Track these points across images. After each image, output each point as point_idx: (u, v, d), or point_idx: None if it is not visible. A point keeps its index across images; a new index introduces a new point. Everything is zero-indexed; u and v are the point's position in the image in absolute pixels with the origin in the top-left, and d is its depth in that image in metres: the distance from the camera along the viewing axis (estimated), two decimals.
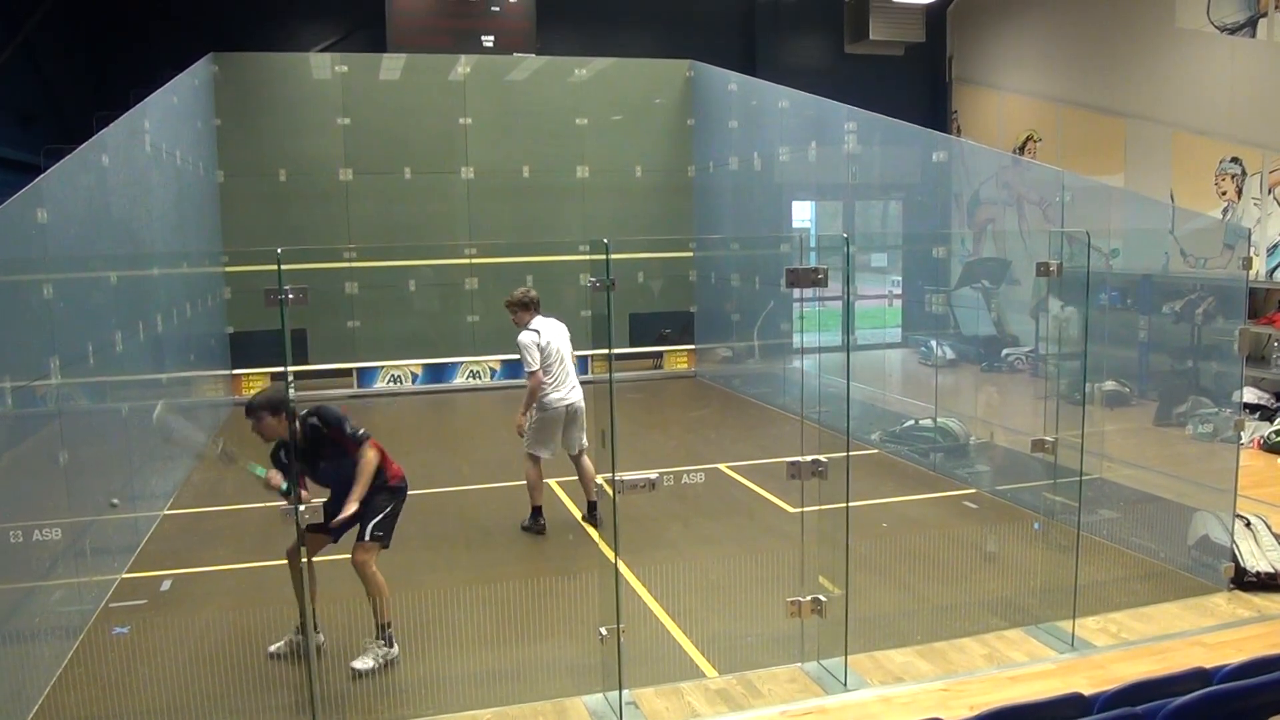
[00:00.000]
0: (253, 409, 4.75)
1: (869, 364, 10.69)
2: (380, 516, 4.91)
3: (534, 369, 6.60)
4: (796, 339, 10.38)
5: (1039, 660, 4.83)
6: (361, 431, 4.86)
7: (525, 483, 6.88)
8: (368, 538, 4.88)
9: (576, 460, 6.97)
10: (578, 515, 7.19)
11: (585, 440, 6.90)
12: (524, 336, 6.67)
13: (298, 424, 4.68)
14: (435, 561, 6.42)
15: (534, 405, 6.72)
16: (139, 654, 5.04)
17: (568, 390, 6.76)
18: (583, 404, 6.85)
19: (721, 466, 8.52)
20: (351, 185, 12.32)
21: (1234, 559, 5.62)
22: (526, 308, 6.75)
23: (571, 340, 6.89)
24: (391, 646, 4.90)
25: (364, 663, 4.80)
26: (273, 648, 4.97)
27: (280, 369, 11.51)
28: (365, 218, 12.37)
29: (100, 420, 6.32)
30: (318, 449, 4.83)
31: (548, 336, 6.70)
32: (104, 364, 6.18)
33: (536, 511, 6.88)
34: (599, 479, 6.83)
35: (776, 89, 11.49)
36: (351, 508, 4.76)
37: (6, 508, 4.61)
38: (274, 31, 13.02)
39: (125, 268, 7.07)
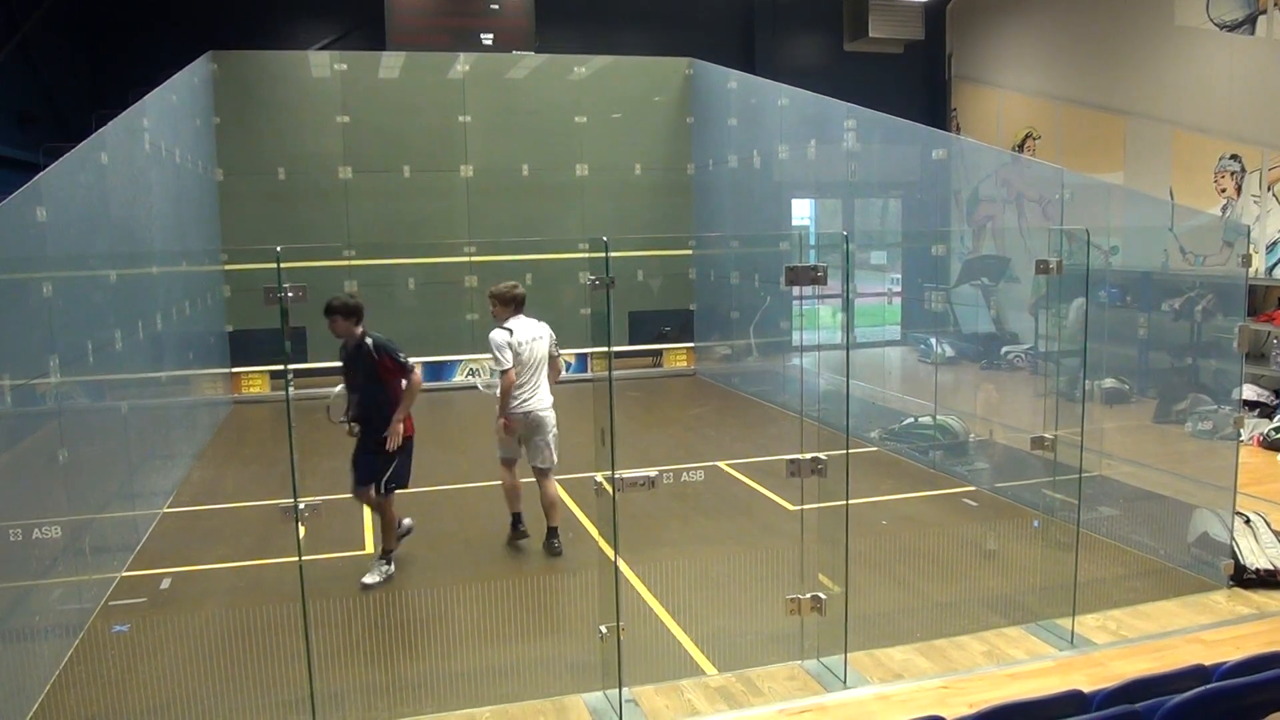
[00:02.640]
0: (331, 310, 5.74)
1: (868, 362, 10.69)
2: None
3: (506, 368, 6.21)
4: (796, 337, 10.38)
5: (1038, 658, 4.84)
6: (408, 362, 5.91)
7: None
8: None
9: (537, 479, 6.49)
10: (578, 514, 7.18)
11: (553, 458, 6.43)
12: (496, 334, 6.29)
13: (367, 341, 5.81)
14: (434, 559, 6.42)
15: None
16: (139, 652, 5.05)
17: (529, 397, 6.32)
18: (547, 414, 6.38)
19: (721, 464, 8.52)
20: (351, 183, 12.32)
21: (1233, 556, 5.63)
22: (507, 304, 6.33)
23: (558, 343, 6.49)
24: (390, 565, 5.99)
25: (371, 578, 5.83)
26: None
27: (280, 367, 11.54)
28: (364, 216, 12.37)
29: (100, 419, 6.32)
30: (370, 368, 5.86)
31: (521, 337, 6.28)
32: (103, 362, 6.18)
33: (515, 519, 6.55)
34: (598, 476, 6.78)
35: (776, 87, 11.48)
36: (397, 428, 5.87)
37: (6, 506, 4.61)
38: (273, 30, 13.01)
39: (124, 266, 7.06)
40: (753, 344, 12.03)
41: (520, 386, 6.28)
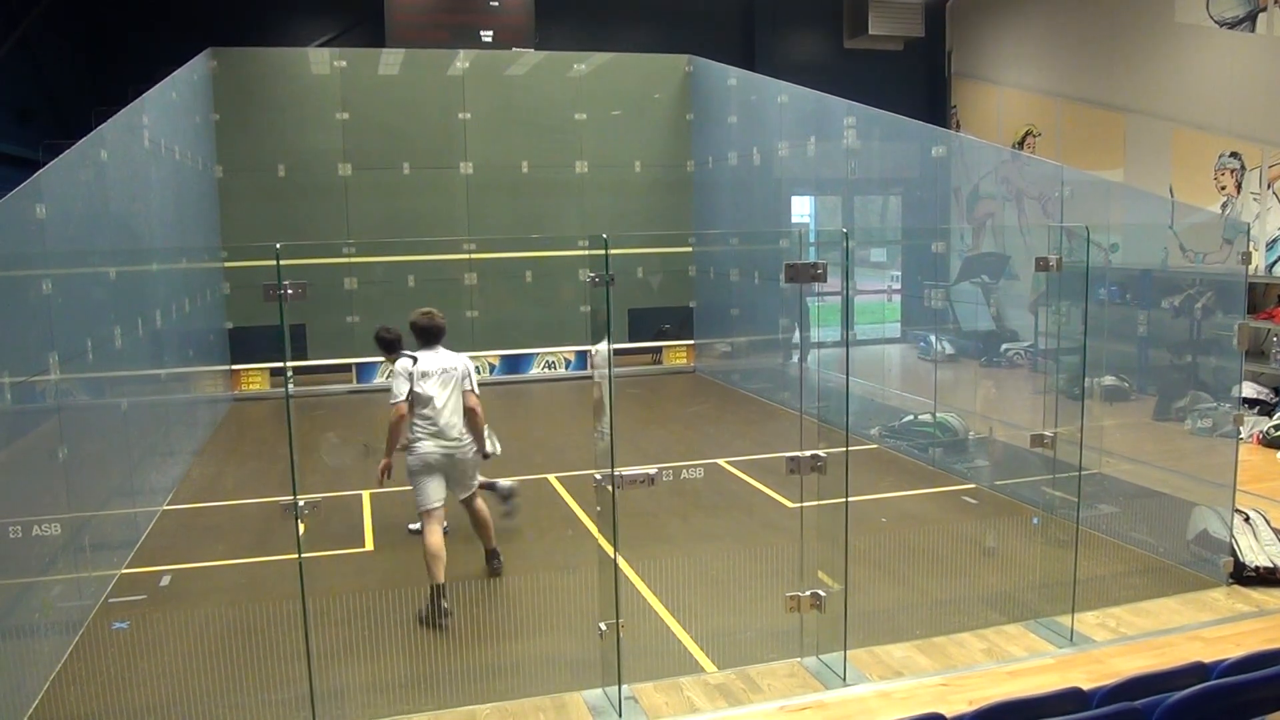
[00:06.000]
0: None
1: (868, 359, 10.69)
2: None
3: (397, 400, 5.45)
4: (795, 334, 10.37)
5: (1038, 655, 4.84)
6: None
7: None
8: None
9: (467, 506, 5.90)
10: (577, 510, 7.19)
11: (474, 483, 5.88)
12: (398, 363, 5.61)
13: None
14: None
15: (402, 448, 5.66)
16: (138, 649, 5.05)
17: (447, 437, 5.57)
18: (468, 454, 5.69)
19: (720, 462, 8.52)
20: (350, 180, 12.31)
21: (1233, 554, 5.63)
22: (421, 334, 5.64)
23: (474, 368, 5.80)
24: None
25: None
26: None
27: (279, 364, 11.54)
28: (364, 213, 12.37)
29: (99, 416, 6.31)
30: None
31: (427, 366, 5.54)
32: (103, 359, 6.18)
33: (438, 591, 5.34)
34: (596, 474, 6.78)
35: (775, 84, 11.48)
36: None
37: (6, 503, 4.61)
38: (273, 26, 13.01)
39: (124, 263, 7.06)
40: (757, 341, 12.02)
41: (428, 422, 5.52)
